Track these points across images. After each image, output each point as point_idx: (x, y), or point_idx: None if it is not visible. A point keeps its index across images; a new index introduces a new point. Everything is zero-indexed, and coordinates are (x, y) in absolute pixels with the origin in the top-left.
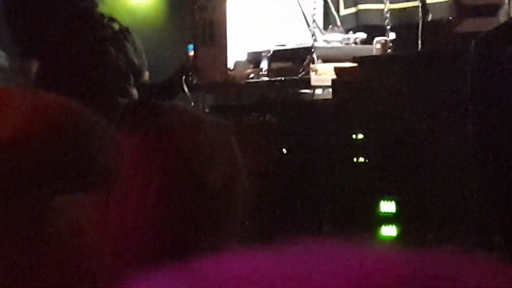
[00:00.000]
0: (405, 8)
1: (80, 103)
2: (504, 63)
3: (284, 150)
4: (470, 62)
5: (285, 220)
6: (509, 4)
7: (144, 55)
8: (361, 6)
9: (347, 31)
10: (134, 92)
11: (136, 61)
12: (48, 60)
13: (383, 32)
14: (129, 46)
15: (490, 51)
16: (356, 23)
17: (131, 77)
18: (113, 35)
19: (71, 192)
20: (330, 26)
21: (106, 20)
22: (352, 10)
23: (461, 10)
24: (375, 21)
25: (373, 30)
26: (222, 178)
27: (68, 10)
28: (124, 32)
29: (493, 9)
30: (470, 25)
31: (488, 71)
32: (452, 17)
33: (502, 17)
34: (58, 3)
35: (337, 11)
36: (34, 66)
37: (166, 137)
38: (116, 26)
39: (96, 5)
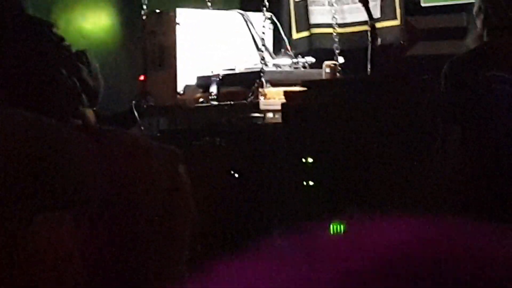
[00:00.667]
0: (355, 32)
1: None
2: (478, 87)
3: (236, 174)
4: (442, 85)
5: (236, 244)
6: (482, 28)
7: (99, 76)
8: (314, 30)
9: (299, 56)
10: (89, 113)
11: (90, 82)
12: (6, 82)
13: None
14: (83, 67)
15: (463, 74)
16: (308, 47)
17: (84, 98)
18: (66, 57)
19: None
20: (282, 50)
21: (60, 42)
22: (305, 34)
23: (412, 34)
24: (328, 45)
25: (326, 54)
26: (163, 205)
27: (23, 32)
28: (79, 54)
29: (448, 33)
30: (421, 48)
31: (461, 94)
32: (403, 41)
33: (471, 41)
34: (14, 25)
35: (289, 35)
36: None
37: (108, 163)
38: (69, 48)
39: (51, 27)
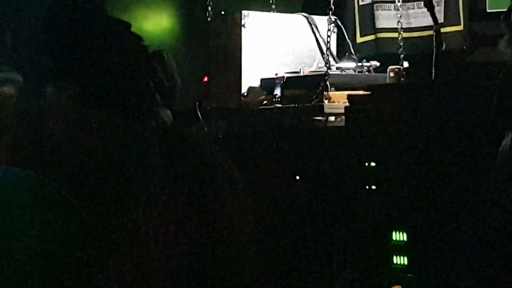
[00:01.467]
0: (420, 37)
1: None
2: None
3: (297, 177)
4: (499, 89)
5: (296, 247)
6: None
7: (176, 76)
8: (379, 35)
9: (363, 60)
10: (164, 113)
11: (165, 82)
12: (84, 82)
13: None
14: (158, 67)
15: None
16: (372, 51)
17: (158, 98)
18: (143, 57)
19: None
20: (346, 54)
21: (138, 42)
22: (369, 38)
23: (474, 40)
24: (392, 49)
25: (390, 59)
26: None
27: (104, 32)
28: (155, 53)
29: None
30: (482, 54)
31: None
32: (466, 47)
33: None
34: (95, 26)
35: (354, 39)
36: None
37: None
38: (147, 48)
39: (130, 27)
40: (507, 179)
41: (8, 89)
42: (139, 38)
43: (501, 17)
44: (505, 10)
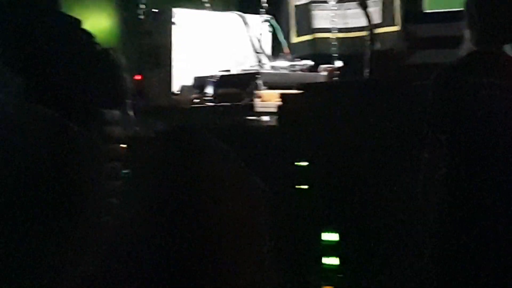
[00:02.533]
0: (356, 38)
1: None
2: (466, 94)
3: None
4: (431, 91)
5: (224, 246)
6: (471, 37)
7: (125, 76)
8: (315, 35)
9: (297, 59)
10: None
11: (115, 82)
12: (30, 76)
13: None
14: (108, 67)
15: (451, 82)
16: (309, 51)
17: (109, 99)
18: (100, 53)
19: None
20: (281, 54)
21: (91, 39)
22: (306, 37)
23: (411, 41)
24: (329, 49)
25: (327, 59)
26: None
27: (58, 28)
28: (105, 52)
29: (448, 42)
30: (420, 56)
31: (450, 101)
32: (402, 48)
33: (463, 50)
34: (46, 22)
35: (289, 38)
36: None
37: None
38: (100, 45)
39: (81, 24)
40: (432, 181)
41: None
42: (89, 35)
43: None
44: (443, 10)
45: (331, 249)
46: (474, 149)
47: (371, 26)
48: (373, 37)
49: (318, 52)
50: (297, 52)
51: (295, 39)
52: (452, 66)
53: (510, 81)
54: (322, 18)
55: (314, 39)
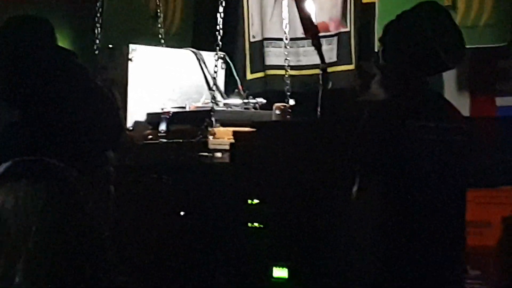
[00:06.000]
0: (309, 75)
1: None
2: (400, 136)
3: (182, 213)
4: (360, 129)
5: (178, 282)
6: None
7: (121, 114)
8: (268, 72)
9: (250, 97)
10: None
11: (111, 120)
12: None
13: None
14: (104, 104)
15: (382, 120)
16: (262, 88)
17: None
18: (97, 87)
19: None
20: (235, 91)
21: (85, 71)
22: (259, 75)
23: (365, 79)
24: (282, 87)
25: (280, 96)
26: None
27: (57, 61)
28: (102, 89)
29: None
30: (372, 93)
31: (382, 143)
32: (356, 86)
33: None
34: (43, 55)
35: (243, 75)
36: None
37: None
38: (95, 79)
39: (76, 56)
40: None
41: None
42: (84, 68)
43: (372, 59)
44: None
45: (281, 286)
46: (408, 192)
47: (324, 65)
48: (326, 75)
49: (271, 89)
50: (251, 89)
51: (249, 76)
52: (382, 106)
53: (442, 121)
54: (275, 55)
55: (267, 76)
